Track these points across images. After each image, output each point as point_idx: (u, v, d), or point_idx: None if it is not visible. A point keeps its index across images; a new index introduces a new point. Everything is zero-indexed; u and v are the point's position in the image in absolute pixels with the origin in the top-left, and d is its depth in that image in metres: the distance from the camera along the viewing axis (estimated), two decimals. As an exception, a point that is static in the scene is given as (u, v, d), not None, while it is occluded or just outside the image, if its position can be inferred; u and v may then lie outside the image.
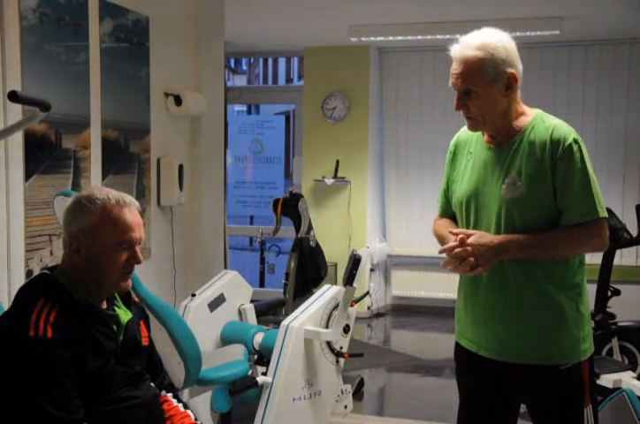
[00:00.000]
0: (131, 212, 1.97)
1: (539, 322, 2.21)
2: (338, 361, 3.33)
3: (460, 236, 2.16)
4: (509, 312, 2.23)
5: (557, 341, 2.21)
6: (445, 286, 6.68)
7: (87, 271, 1.95)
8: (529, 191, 2.17)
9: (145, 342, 2.12)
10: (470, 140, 2.36)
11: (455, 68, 2.19)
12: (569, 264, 2.22)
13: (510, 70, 2.17)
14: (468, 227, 2.30)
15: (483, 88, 2.16)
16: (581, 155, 2.16)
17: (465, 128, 2.38)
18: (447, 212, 2.45)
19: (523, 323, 2.22)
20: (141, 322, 2.14)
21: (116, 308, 2.04)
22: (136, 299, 2.20)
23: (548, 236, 2.16)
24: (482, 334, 2.30)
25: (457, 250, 2.14)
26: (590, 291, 4.37)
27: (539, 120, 2.23)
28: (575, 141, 2.17)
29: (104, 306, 2.01)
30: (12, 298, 2.00)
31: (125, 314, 2.04)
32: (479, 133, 2.33)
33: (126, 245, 1.95)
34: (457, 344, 2.43)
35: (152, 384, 2.12)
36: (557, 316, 2.20)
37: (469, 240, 2.15)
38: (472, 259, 2.12)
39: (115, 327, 1.99)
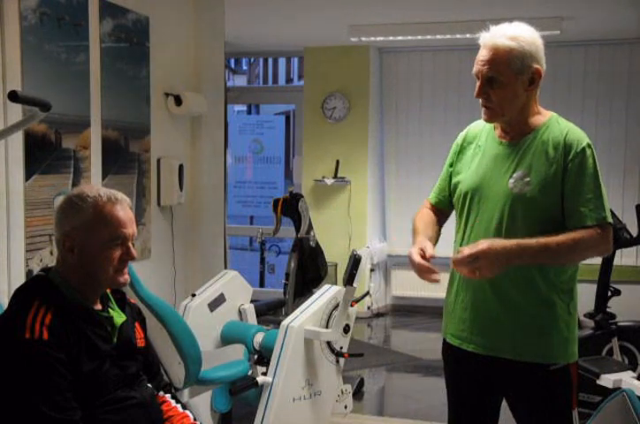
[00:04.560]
0: (123, 208, 1.98)
1: (531, 320, 2.22)
2: (338, 361, 3.33)
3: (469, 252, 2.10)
4: (501, 308, 2.24)
5: (547, 340, 2.22)
6: (445, 286, 6.66)
7: (82, 269, 1.95)
8: (537, 188, 2.17)
9: (140, 343, 2.12)
10: (480, 135, 2.36)
11: (484, 55, 2.20)
12: (565, 265, 2.22)
13: (536, 65, 2.20)
14: (467, 219, 2.31)
15: (508, 78, 2.18)
16: (593, 161, 2.18)
17: (476, 123, 2.39)
18: (440, 201, 2.46)
19: (515, 320, 2.23)
20: (137, 324, 2.13)
21: (110, 310, 2.04)
22: (131, 301, 2.19)
23: (559, 242, 2.11)
24: (468, 328, 2.31)
25: (467, 265, 2.10)
26: (590, 291, 4.43)
27: (554, 121, 2.25)
28: (589, 146, 2.19)
29: (99, 307, 2.01)
30: (12, 298, 2.00)
31: (118, 316, 2.04)
32: (490, 128, 2.33)
33: (120, 240, 1.95)
34: (443, 341, 2.44)
35: (149, 385, 2.12)
36: (549, 315, 2.21)
37: (480, 247, 2.08)
38: (477, 273, 2.10)
39: (109, 329, 2.00)
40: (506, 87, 2.18)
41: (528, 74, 2.19)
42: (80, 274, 1.95)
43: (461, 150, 2.41)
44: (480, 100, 2.23)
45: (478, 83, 2.21)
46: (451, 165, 2.43)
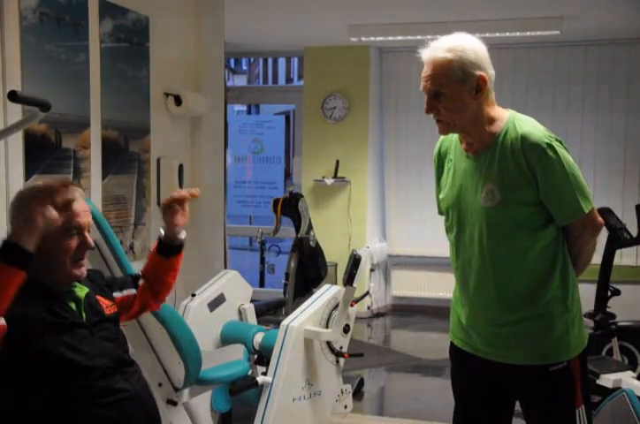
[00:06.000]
0: (75, 199, 2.00)
1: (525, 323, 2.23)
2: (338, 361, 3.33)
3: None
4: (494, 314, 2.25)
5: (544, 340, 2.23)
6: (445, 286, 6.67)
7: (39, 262, 1.94)
8: (506, 199, 2.18)
9: (109, 311, 2.14)
10: (450, 148, 2.38)
11: (425, 71, 2.21)
12: (554, 262, 2.23)
13: (479, 72, 2.18)
14: (453, 235, 2.33)
15: (452, 90, 2.18)
16: (557, 158, 2.15)
17: (445, 136, 2.40)
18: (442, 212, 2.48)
19: (510, 324, 2.24)
20: (98, 297, 2.15)
21: (75, 285, 2.07)
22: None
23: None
24: (472, 335, 2.33)
25: None
26: (590, 291, 4.44)
27: (511, 125, 2.22)
28: (548, 145, 2.15)
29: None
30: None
31: (81, 291, 2.06)
32: (457, 141, 2.34)
33: (75, 230, 1.98)
34: (451, 343, 2.45)
35: (142, 375, 2.14)
36: (543, 315, 2.22)
37: None
38: None
39: (74, 304, 2.02)
40: (452, 98, 2.18)
41: (472, 83, 2.18)
42: (38, 267, 1.95)
43: (439, 165, 2.44)
44: (432, 115, 2.24)
45: (426, 99, 2.22)
46: (437, 179, 2.46)
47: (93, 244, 2.04)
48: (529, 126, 2.21)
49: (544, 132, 2.19)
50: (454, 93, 2.18)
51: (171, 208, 2.27)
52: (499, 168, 2.19)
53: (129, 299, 2.32)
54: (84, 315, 2.03)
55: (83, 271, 2.04)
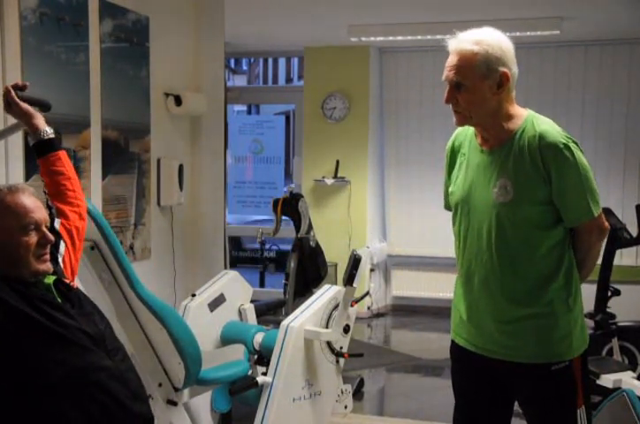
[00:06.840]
0: (27, 196, 2.01)
1: (529, 321, 2.24)
2: (338, 361, 3.33)
3: None
4: (499, 311, 2.26)
5: (546, 339, 2.24)
6: (445, 286, 6.67)
7: (4, 262, 1.95)
8: (520, 196, 2.19)
9: (74, 285, 2.12)
10: (464, 142, 2.38)
11: (450, 60, 2.22)
12: (560, 262, 2.24)
13: (503, 69, 2.18)
14: (460, 229, 2.34)
15: (474, 83, 2.18)
16: (573, 159, 2.17)
17: (460, 129, 2.40)
18: (450, 206, 2.48)
19: (514, 321, 2.25)
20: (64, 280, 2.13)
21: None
22: None
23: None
24: (474, 332, 2.33)
25: None
26: (590, 291, 4.44)
27: (529, 123, 2.23)
28: (565, 146, 2.16)
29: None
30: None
31: (49, 279, 2.05)
32: (472, 135, 2.34)
33: (33, 226, 1.98)
34: (452, 342, 2.46)
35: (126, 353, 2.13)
36: (546, 314, 2.23)
37: None
38: None
39: (46, 291, 2.01)
40: (473, 91, 2.19)
41: (495, 78, 2.18)
42: (5, 265, 1.96)
43: (452, 158, 2.43)
44: (451, 105, 2.24)
45: (447, 88, 2.23)
46: (448, 173, 2.45)
47: (53, 238, 2.03)
48: (547, 126, 2.22)
49: (562, 132, 2.21)
50: (475, 86, 2.18)
51: (13, 108, 2.28)
52: (514, 164, 2.20)
53: (69, 254, 2.27)
54: (59, 301, 2.02)
55: (49, 265, 2.03)
